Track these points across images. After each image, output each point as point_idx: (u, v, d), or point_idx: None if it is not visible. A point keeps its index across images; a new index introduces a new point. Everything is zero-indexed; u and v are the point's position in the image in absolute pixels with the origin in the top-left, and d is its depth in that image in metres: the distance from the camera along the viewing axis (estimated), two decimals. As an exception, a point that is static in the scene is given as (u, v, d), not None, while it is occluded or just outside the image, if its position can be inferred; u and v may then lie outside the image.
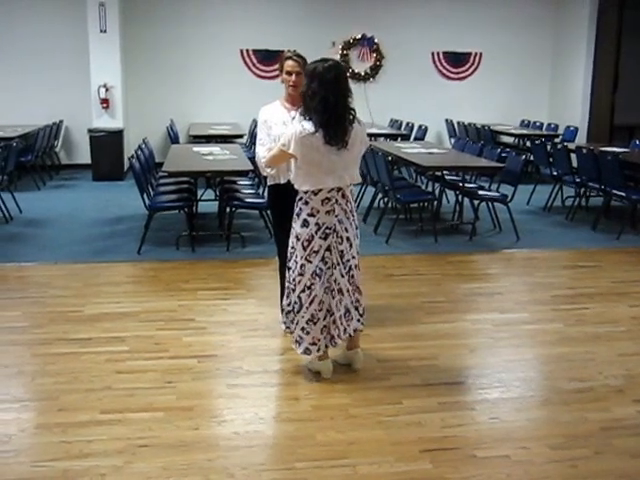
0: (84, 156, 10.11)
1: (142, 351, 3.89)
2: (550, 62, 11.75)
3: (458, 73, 11.60)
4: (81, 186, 9.40)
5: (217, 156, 6.77)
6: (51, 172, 9.94)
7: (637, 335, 4.29)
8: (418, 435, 3.03)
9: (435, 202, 7.09)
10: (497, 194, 6.85)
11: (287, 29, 10.59)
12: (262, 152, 3.82)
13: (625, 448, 2.97)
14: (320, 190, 3.38)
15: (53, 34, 10.21)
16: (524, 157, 7.00)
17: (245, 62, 10.88)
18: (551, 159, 8.16)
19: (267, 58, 10.77)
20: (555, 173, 7.94)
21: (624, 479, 2.76)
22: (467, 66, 11.61)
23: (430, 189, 7.60)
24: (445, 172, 7.10)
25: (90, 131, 9.66)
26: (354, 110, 3.39)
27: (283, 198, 3.75)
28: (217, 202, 6.86)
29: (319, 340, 3.49)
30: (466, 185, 7.05)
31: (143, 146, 7.23)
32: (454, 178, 7.36)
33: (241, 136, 9.54)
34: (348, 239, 3.48)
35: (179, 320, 4.38)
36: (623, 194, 6.85)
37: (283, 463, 2.83)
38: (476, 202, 7.03)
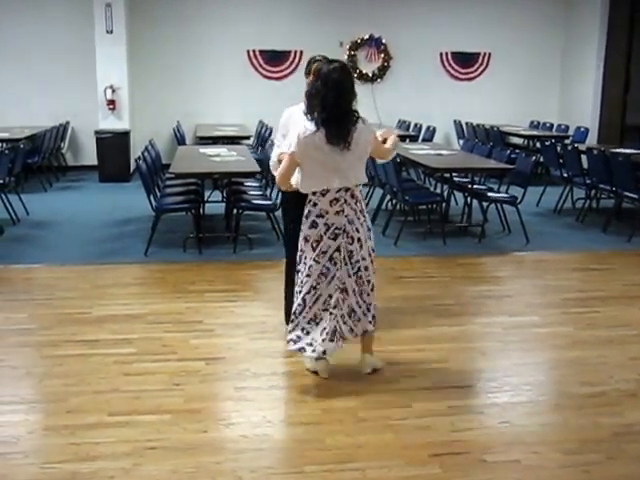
0: (90, 157, 10.11)
1: (150, 353, 3.87)
2: (560, 62, 11.68)
3: (467, 74, 11.55)
4: (88, 187, 9.41)
5: (224, 157, 6.76)
6: (58, 173, 9.94)
7: (649, 338, 4.24)
8: (427, 439, 3.01)
9: (444, 204, 7.05)
10: (506, 196, 6.81)
11: (294, 29, 10.59)
12: (274, 156, 3.94)
13: (638, 453, 2.93)
14: (327, 191, 3.37)
15: (59, 35, 10.20)
16: (534, 158, 6.95)
17: (252, 63, 10.86)
18: (561, 160, 8.10)
19: (274, 59, 10.74)
20: (565, 175, 7.88)
21: (637, 485, 2.74)
22: (476, 66, 11.55)
23: (438, 191, 7.56)
24: (454, 174, 7.07)
25: (97, 132, 9.67)
26: (357, 112, 3.37)
27: (297, 202, 3.63)
28: (224, 204, 6.84)
29: (316, 341, 3.43)
30: (475, 187, 7.00)
31: (150, 147, 7.23)
32: (463, 180, 7.32)
33: (248, 137, 9.51)
34: (359, 240, 3.45)
35: (186, 322, 4.36)
36: (634, 196, 6.78)
37: (292, 467, 2.81)
38: (485, 204, 6.98)
